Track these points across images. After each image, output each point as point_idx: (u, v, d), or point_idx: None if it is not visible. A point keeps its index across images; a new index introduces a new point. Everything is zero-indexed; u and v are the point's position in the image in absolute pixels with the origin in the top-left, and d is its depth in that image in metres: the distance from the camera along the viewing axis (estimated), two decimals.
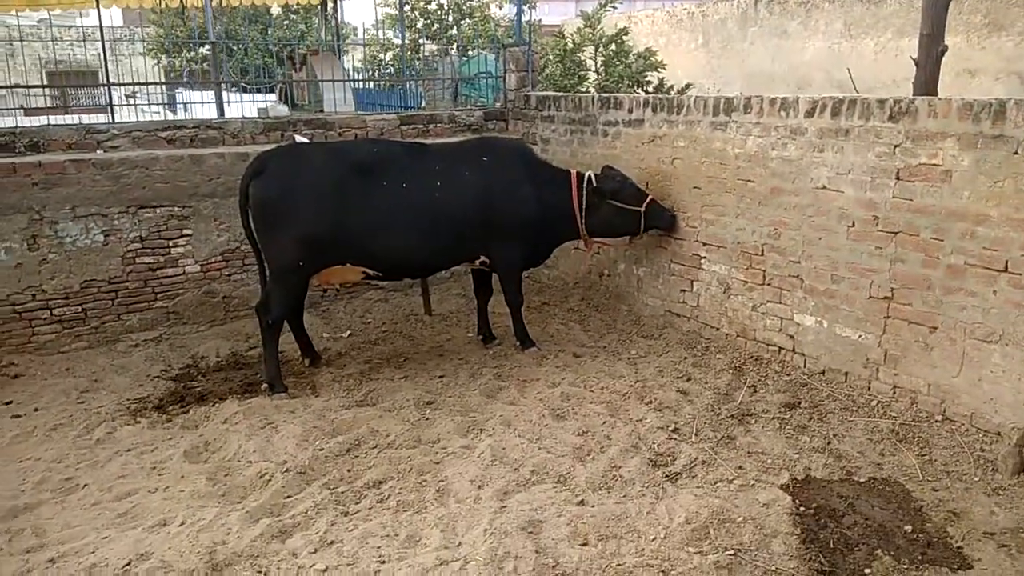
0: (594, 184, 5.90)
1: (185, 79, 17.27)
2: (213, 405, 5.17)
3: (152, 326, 6.36)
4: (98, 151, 6.22)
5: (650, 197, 6.03)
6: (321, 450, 4.44)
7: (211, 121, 6.84)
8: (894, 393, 4.83)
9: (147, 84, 8.67)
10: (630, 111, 6.63)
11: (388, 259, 5.46)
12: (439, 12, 17.53)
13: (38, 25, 21.54)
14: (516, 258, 5.90)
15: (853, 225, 4.93)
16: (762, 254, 5.59)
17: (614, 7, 11.39)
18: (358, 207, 5.25)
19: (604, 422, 4.76)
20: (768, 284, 5.58)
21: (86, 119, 9.71)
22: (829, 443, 4.45)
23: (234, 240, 6.52)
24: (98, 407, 5.23)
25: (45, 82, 17.99)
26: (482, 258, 5.85)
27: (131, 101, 13.50)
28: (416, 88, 9.99)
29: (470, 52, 11.31)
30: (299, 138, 7.00)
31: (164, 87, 12.80)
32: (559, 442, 4.52)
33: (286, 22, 19.17)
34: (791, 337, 5.47)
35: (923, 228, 4.55)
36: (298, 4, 14.09)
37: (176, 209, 6.32)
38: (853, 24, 14.89)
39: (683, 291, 6.35)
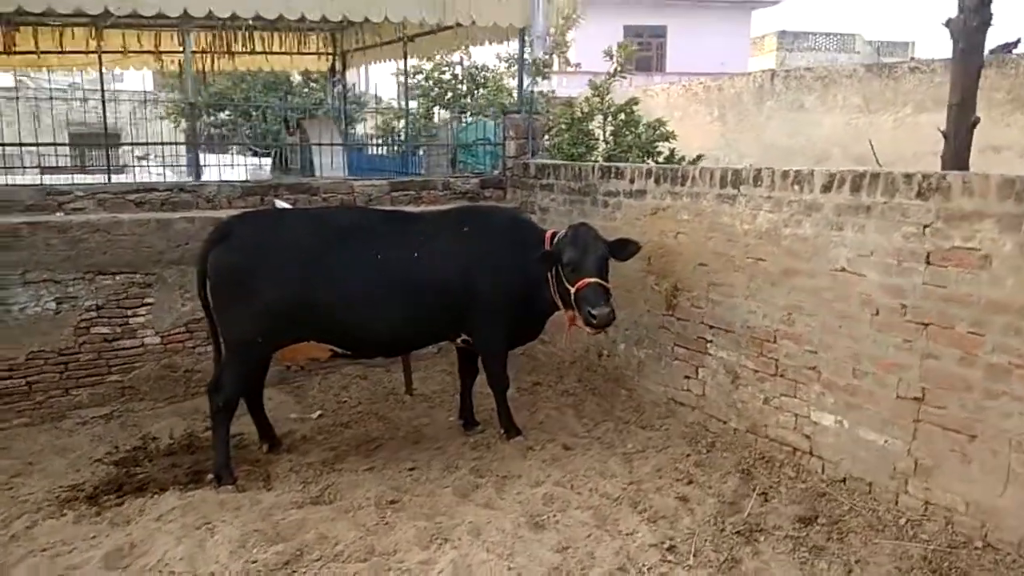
0: (549, 246, 5.13)
1: (201, 143, 17.26)
2: (151, 497, 4.59)
3: (103, 402, 5.83)
4: (58, 213, 5.81)
5: (588, 281, 4.85)
6: (254, 562, 3.82)
7: (185, 184, 6.45)
8: (926, 510, 4.14)
9: (136, 144, 8.37)
10: (631, 181, 6.17)
11: (354, 336, 4.96)
12: (453, 82, 17.56)
13: (67, 89, 21.98)
14: (499, 337, 5.34)
15: (877, 313, 4.34)
16: (774, 341, 5.00)
17: (623, 77, 11.16)
18: (324, 279, 4.79)
19: (589, 535, 4.11)
20: (781, 375, 4.97)
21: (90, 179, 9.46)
22: (850, 571, 3.76)
23: (199, 310, 5.98)
24: (26, 494, 4.66)
25: (68, 142, 18.23)
26: (463, 336, 5.33)
27: (142, 162, 13.40)
28: (416, 153, 9.67)
29: (468, 118, 11.04)
30: (280, 203, 6.59)
31: (177, 148, 12.75)
32: (533, 559, 3.87)
33: (305, 89, 19.36)
34: (807, 437, 4.82)
35: (959, 320, 3.95)
36: (318, 72, 14.07)
37: (138, 276, 5.86)
38: (871, 99, 14.65)
39: (687, 377, 5.74)
